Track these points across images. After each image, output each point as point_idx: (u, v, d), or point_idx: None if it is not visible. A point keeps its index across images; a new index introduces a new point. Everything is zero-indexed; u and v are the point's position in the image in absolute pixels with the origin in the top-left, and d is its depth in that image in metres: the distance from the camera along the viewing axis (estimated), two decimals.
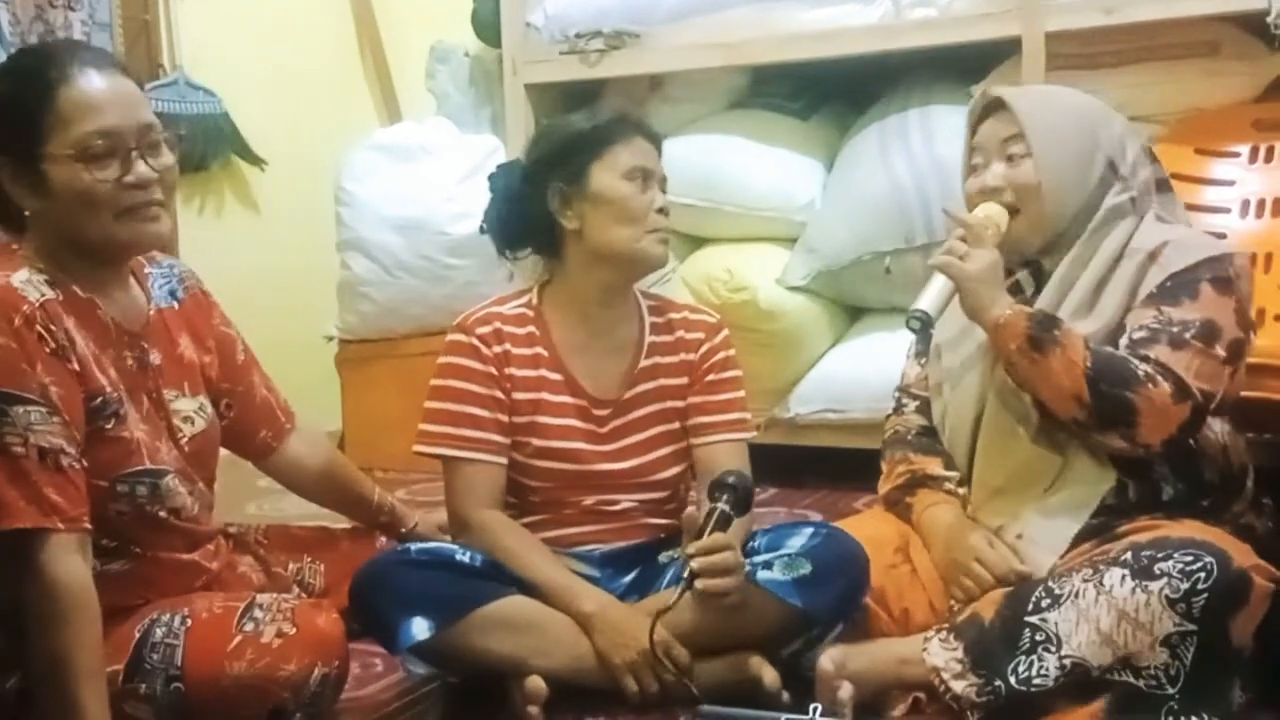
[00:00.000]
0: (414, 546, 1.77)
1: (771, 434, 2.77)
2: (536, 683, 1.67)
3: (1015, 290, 1.84)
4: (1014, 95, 1.85)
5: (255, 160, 3.56)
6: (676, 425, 1.91)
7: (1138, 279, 1.77)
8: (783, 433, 2.80)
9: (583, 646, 1.72)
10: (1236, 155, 2.40)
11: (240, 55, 3.49)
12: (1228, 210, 2.33)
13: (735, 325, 2.72)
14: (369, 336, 3.31)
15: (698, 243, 3.00)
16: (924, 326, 1.76)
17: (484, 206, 1.99)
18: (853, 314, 2.94)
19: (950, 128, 2.71)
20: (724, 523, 1.69)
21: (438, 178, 3.21)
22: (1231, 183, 2.37)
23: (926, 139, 2.72)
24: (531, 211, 1.90)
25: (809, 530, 1.78)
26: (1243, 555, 1.59)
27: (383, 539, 1.91)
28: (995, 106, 1.86)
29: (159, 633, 1.49)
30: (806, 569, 1.71)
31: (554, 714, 1.68)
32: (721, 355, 1.92)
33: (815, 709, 1.36)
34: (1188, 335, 1.69)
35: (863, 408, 2.68)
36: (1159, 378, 1.66)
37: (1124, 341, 1.72)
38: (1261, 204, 2.34)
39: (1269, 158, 2.37)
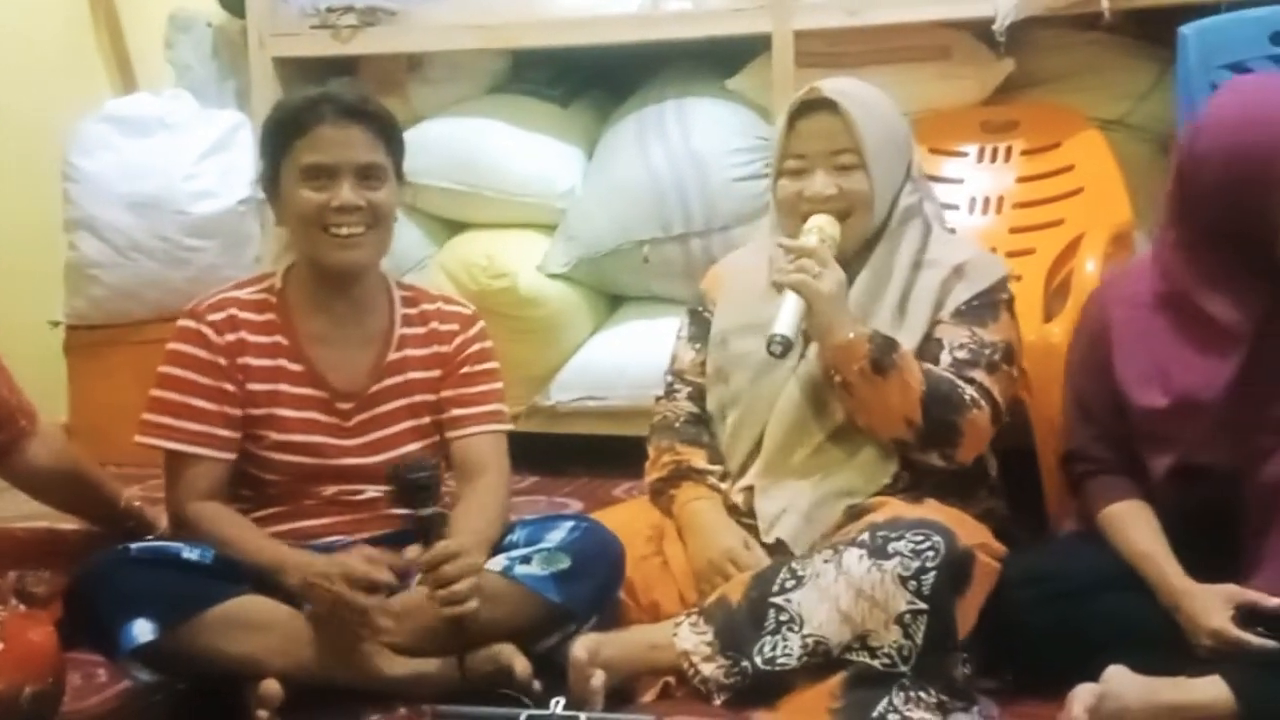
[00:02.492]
0: (134, 545, 1.66)
1: (531, 422, 2.76)
2: (271, 685, 1.59)
3: None
4: (846, 101, 1.83)
5: None
6: (427, 420, 1.85)
7: (943, 293, 1.85)
8: (543, 420, 2.79)
9: (322, 644, 1.64)
10: (965, 155, 2.55)
11: None
12: (957, 207, 2.47)
13: (495, 312, 2.72)
14: (100, 322, 3.10)
15: (456, 227, 2.95)
16: (785, 351, 1.75)
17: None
18: (613, 302, 2.95)
19: (707, 120, 2.78)
20: (440, 525, 1.65)
21: (176, 153, 3.03)
22: (961, 181, 2.52)
23: (684, 131, 2.77)
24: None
25: (568, 524, 1.77)
26: (970, 534, 1.68)
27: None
28: (818, 106, 1.85)
29: None
30: (565, 564, 1.70)
31: (291, 716, 1.61)
32: (477, 347, 1.88)
33: (557, 702, 1.35)
34: (997, 358, 1.81)
35: (623, 395, 2.70)
36: (982, 402, 1.77)
37: (946, 360, 1.80)
38: (987, 201, 2.50)
39: (994, 158, 2.54)
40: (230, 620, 1.61)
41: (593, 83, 3.06)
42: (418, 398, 1.84)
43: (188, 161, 3.03)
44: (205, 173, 3.01)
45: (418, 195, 2.85)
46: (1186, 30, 2.27)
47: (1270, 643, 1.57)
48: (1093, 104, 2.57)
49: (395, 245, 2.86)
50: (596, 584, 1.73)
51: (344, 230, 1.74)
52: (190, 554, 1.66)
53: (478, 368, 1.88)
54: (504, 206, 2.87)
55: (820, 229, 1.81)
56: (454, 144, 2.84)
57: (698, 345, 2.00)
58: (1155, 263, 1.77)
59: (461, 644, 1.63)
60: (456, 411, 1.85)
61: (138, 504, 1.84)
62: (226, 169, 3.04)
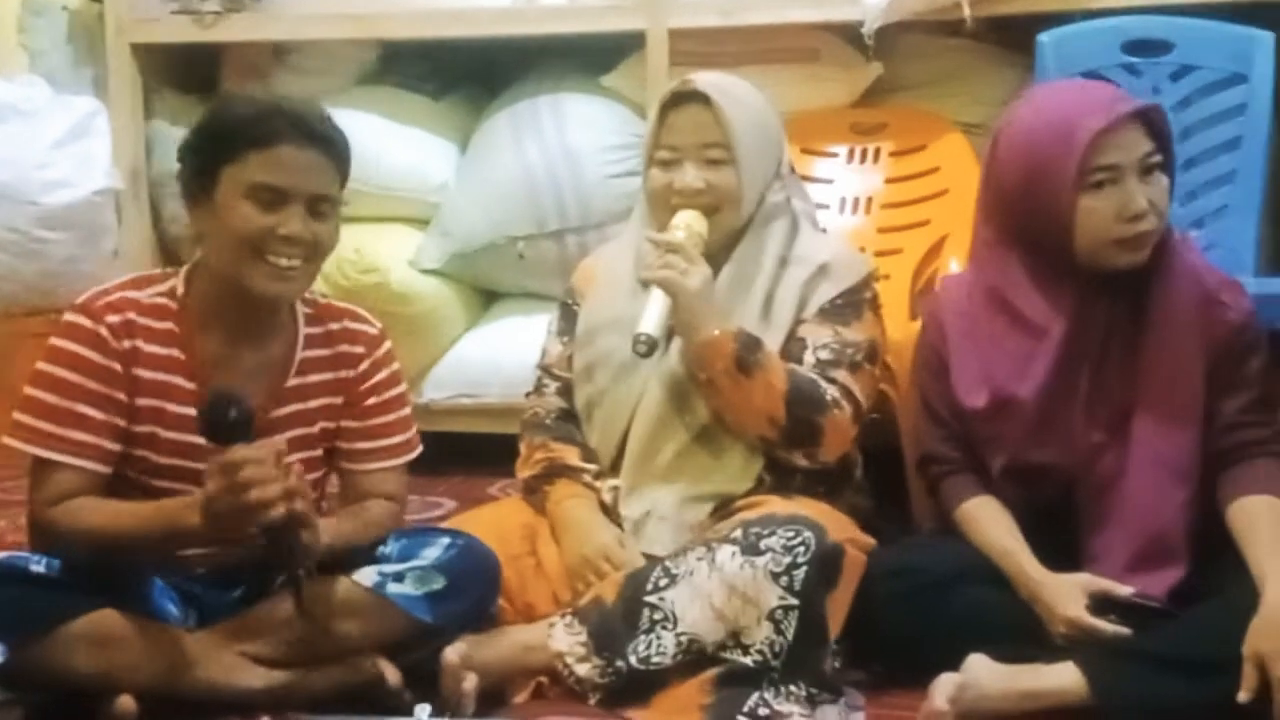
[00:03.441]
0: None
1: None
2: (126, 703, 1.54)
3: None
4: (718, 95, 1.83)
5: None
6: (320, 451, 1.75)
7: (807, 291, 1.85)
8: (416, 419, 2.72)
9: (178, 658, 1.60)
10: (836, 155, 2.59)
11: None
12: (827, 206, 2.51)
13: (366, 308, 2.65)
14: None
15: None
16: (649, 351, 1.74)
17: None
18: (487, 298, 2.93)
19: (582, 116, 2.77)
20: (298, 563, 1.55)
21: (29, 141, 2.89)
22: (831, 181, 2.56)
23: (558, 126, 2.75)
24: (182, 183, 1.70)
25: (444, 541, 1.71)
26: (839, 529, 1.71)
27: None
28: (691, 98, 1.85)
29: None
30: (440, 584, 1.66)
31: None
32: (386, 373, 1.77)
33: (423, 708, 1.32)
34: (859, 358, 1.82)
35: (498, 393, 2.68)
36: (844, 402, 1.79)
37: (810, 360, 1.81)
38: (856, 202, 2.54)
39: (864, 158, 2.58)
40: (83, 637, 1.53)
41: (467, 76, 3.02)
42: (316, 426, 1.73)
43: (41, 150, 2.89)
44: (59, 162, 2.88)
45: None
46: (1044, 38, 2.36)
47: (1122, 629, 1.64)
48: (957, 108, 2.64)
49: None
50: (471, 604, 1.70)
51: (283, 261, 1.61)
52: (38, 566, 1.58)
53: (387, 395, 1.77)
54: (375, 200, 2.80)
55: (688, 225, 1.81)
56: None
57: (565, 339, 1.98)
58: (973, 260, 1.83)
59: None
60: (363, 445, 1.75)
61: None
62: (82, 158, 2.91)
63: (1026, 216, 1.72)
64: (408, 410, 1.80)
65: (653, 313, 1.75)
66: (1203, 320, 1.71)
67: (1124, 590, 1.66)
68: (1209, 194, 2.35)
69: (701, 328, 1.76)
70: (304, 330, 1.73)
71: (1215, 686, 1.55)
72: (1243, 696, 1.54)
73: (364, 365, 1.75)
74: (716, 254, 1.85)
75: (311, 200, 1.63)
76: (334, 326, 1.76)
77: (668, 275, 1.75)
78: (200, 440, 1.60)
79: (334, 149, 1.66)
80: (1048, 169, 1.68)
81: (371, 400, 1.76)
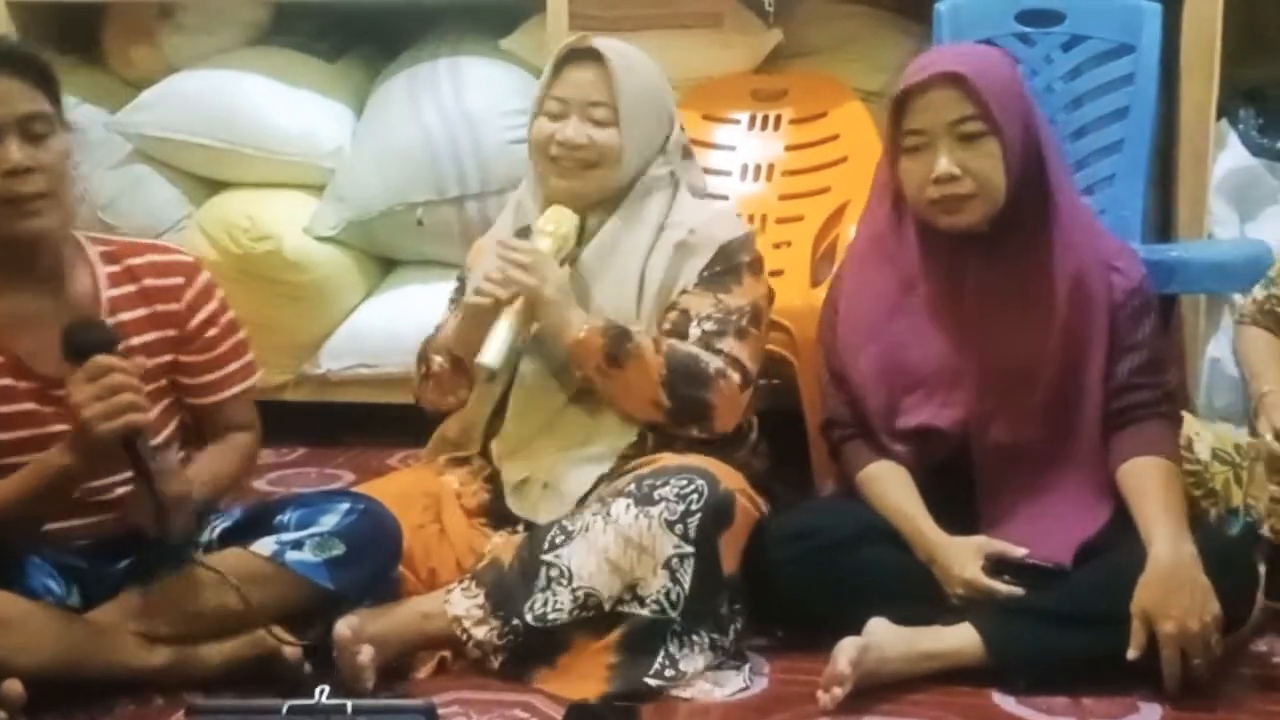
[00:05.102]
0: None
1: (301, 391, 2.67)
2: (13, 686, 1.48)
3: None
4: (613, 57, 1.85)
5: None
6: (163, 383, 1.71)
7: (681, 256, 1.86)
8: (313, 389, 2.69)
9: (72, 640, 1.55)
10: (737, 122, 2.59)
11: None
12: (730, 174, 2.52)
13: (259, 276, 2.60)
14: None
15: (215, 186, 2.79)
16: (492, 377, 1.77)
17: None
18: (385, 266, 2.87)
19: (481, 79, 2.72)
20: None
21: None
22: (733, 148, 2.56)
23: (457, 90, 2.70)
24: None
25: (343, 507, 1.70)
26: (730, 479, 1.73)
27: None
28: (585, 56, 1.87)
29: None
30: (340, 549, 1.64)
31: (37, 715, 1.52)
32: (215, 303, 1.75)
33: (322, 690, 1.31)
34: (744, 323, 1.84)
35: (396, 362, 2.62)
36: (730, 371, 1.80)
37: (695, 332, 1.82)
38: (758, 169, 2.54)
39: (765, 125, 2.58)
40: None
41: (362, 37, 2.95)
42: (149, 362, 1.68)
43: None
44: None
45: (172, 152, 2.69)
46: (941, 7, 2.39)
47: (1016, 589, 1.68)
48: (855, 75, 2.65)
49: (149, 205, 2.77)
50: (372, 569, 1.68)
51: (20, 197, 1.55)
52: None
53: (221, 321, 1.76)
54: (267, 165, 2.73)
55: (556, 225, 1.83)
56: (211, 98, 2.67)
57: (454, 308, 1.99)
58: (869, 215, 1.86)
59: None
60: (209, 377, 1.75)
61: None
62: None
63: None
64: (244, 334, 1.80)
65: (495, 340, 1.76)
66: (1101, 287, 1.75)
67: (1018, 551, 1.71)
68: (1098, 162, 2.41)
69: (566, 331, 1.78)
70: (103, 270, 1.69)
71: (1106, 643, 1.61)
72: (1131, 653, 1.60)
73: (189, 295, 1.73)
74: (593, 212, 1.88)
75: (20, 123, 1.56)
76: (136, 262, 1.72)
77: (525, 284, 1.76)
78: (27, 406, 1.59)
79: (23, 65, 1.59)
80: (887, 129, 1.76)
81: (210, 332, 1.75)
